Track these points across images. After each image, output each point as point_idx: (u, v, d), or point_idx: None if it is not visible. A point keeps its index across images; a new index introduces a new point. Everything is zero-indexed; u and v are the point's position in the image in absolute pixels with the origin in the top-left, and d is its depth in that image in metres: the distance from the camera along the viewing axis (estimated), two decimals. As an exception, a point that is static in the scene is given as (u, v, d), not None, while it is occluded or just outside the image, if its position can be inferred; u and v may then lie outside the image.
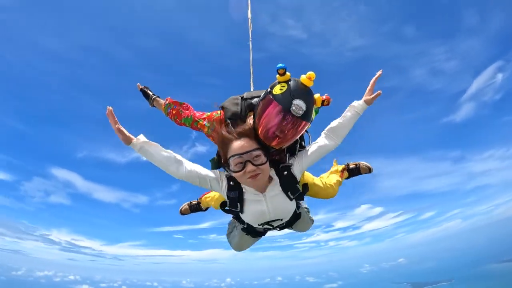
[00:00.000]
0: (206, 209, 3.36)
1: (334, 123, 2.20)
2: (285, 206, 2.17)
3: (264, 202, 2.09)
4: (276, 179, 2.10)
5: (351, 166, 3.04)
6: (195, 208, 3.39)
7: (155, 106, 2.94)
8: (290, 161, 2.14)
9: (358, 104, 2.21)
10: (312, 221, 2.72)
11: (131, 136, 2.06)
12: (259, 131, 1.94)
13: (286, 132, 1.88)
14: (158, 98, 2.91)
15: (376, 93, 2.22)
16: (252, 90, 2.70)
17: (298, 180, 2.15)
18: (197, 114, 2.50)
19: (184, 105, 2.61)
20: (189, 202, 3.46)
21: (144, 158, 2.09)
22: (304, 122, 1.90)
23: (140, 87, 3.11)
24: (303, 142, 2.30)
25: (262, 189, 2.08)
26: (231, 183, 2.06)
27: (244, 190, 2.09)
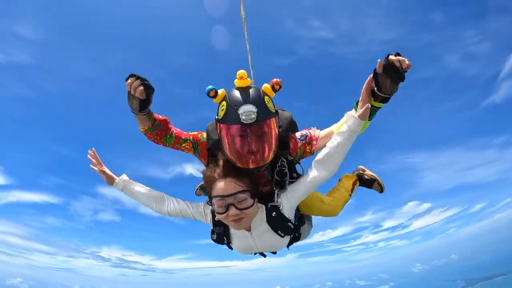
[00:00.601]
0: None
1: (325, 151, 1.76)
2: (275, 243, 2.01)
3: (251, 239, 1.95)
4: (263, 217, 1.87)
5: (366, 177, 2.84)
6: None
7: (141, 116, 1.91)
8: (279, 200, 1.88)
9: (352, 122, 1.70)
10: (311, 227, 2.49)
11: (114, 176, 2.18)
12: (232, 158, 1.74)
13: (254, 144, 1.67)
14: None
15: (365, 107, 1.68)
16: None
17: (290, 219, 1.91)
18: (183, 134, 2.09)
19: (168, 122, 2.09)
20: (201, 184, 3.00)
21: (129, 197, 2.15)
22: (265, 122, 1.65)
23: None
24: (294, 174, 1.98)
25: (248, 228, 1.91)
26: (215, 218, 1.86)
27: (230, 226, 1.93)
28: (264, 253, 2.25)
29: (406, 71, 1.58)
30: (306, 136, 1.96)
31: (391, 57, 1.58)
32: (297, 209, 2.12)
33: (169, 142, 2.07)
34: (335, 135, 1.76)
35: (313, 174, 1.80)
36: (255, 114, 1.59)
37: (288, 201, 1.89)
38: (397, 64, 1.57)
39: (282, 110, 2.15)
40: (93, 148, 2.19)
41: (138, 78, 1.67)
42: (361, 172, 2.89)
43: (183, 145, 2.07)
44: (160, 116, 2.00)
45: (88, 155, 2.21)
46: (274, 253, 2.32)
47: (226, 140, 1.71)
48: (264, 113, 1.63)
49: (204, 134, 2.08)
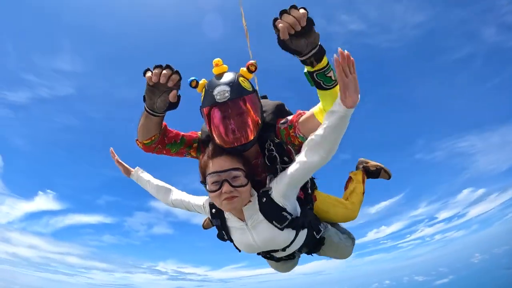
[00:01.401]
0: None
1: (312, 135, 1.58)
2: (274, 236, 1.80)
3: (248, 232, 1.83)
4: (255, 205, 1.77)
5: (371, 169, 2.83)
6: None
7: (157, 118, 1.78)
8: (270, 185, 1.78)
9: (338, 106, 1.46)
10: (350, 246, 2.43)
11: (130, 168, 2.40)
12: (218, 141, 1.76)
13: (234, 121, 1.69)
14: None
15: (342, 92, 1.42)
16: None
17: (282, 206, 1.74)
18: (191, 134, 2.07)
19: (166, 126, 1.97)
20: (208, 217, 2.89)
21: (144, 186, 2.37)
22: (240, 99, 1.67)
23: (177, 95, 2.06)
24: (285, 158, 1.87)
25: (242, 216, 1.82)
26: (213, 210, 1.90)
27: (226, 217, 1.89)
28: (276, 255, 2.07)
29: (309, 20, 1.32)
30: (287, 119, 1.88)
31: (279, 24, 1.31)
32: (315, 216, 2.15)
33: (176, 148, 2.01)
34: (324, 119, 1.53)
35: (301, 158, 1.63)
36: (228, 92, 1.63)
37: (277, 186, 1.74)
38: (293, 29, 1.32)
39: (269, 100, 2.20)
40: (111, 148, 2.45)
41: (171, 68, 1.55)
42: (364, 164, 2.92)
43: (194, 145, 2.05)
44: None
45: (110, 153, 2.44)
46: (292, 257, 2.17)
47: (208, 122, 1.75)
48: (237, 90, 1.65)
49: (197, 134, 2.10)
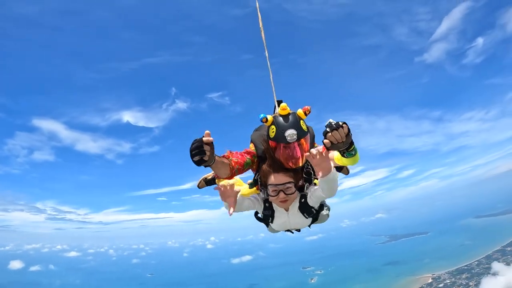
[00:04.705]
0: None
1: (318, 193, 2.66)
2: (302, 221, 3.00)
3: (287, 217, 2.94)
4: (296, 202, 2.83)
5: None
6: (211, 183, 3.80)
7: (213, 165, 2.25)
8: (307, 191, 2.80)
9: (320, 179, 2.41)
10: (328, 215, 3.29)
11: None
12: (282, 162, 2.57)
13: (297, 153, 2.50)
14: (217, 158, 2.28)
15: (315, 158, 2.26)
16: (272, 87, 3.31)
17: (311, 206, 2.84)
18: (249, 152, 2.85)
19: (232, 154, 2.68)
20: (204, 177, 3.84)
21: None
22: (302, 139, 2.48)
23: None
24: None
25: (286, 208, 2.89)
26: (266, 204, 2.90)
27: (275, 209, 2.91)
28: (292, 231, 3.27)
29: (348, 135, 2.08)
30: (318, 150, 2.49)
31: (327, 140, 2.06)
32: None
33: (247, 167, 2.78)
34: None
35: (319, 192, 2.63)
36: (296, 136, 2.40)
37: (310, 197, 2.76)
38: (336, 141, 2.07)
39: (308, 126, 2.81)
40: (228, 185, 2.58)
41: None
42: None
43: (255, 160, 2.88)
44: (224, 155, 2.56)
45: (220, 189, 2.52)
46: (298, 230, 3.32)
47: (278, 151, 2.56)
48: (301, 133, 2.43)
49: (251, 146, 3.03)
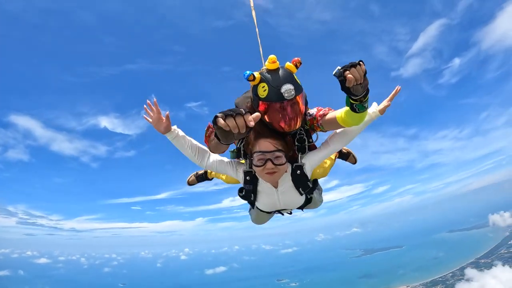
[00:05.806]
0: (212, 178, 3.49)
1: (344, 130, 2.29)
2: (295, 200, 2.45)
3: (276, 195, 2.38)
4: (288, 176, 2.31)
5: (343, 151, 3.24)
6: (202, 178, 3.53)
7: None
8: (302, 161, 2.32)
9: (373, 112, 2.34)
10: (322, 200, 2.90)
11: (171, 127, 2.24)
12: (275, 126, 2.10)
13: (294, 112, 2.04)
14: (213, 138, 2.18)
15: (386, 104, 2.38)
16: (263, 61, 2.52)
17: (309, 178, 2.36)
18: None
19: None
20: (195, 172, 3.58)
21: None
22: (300, 95, 2.03)
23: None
24: (311, 139, 2.40)
25: (275, 184, 2.34)
26: (247, 177, 2.33)
27: (259, 183, 2.35)
28: (282, 212, 2.74)
29: (365, 77, 1.72)
30: (312, 114, 2.32)
31: (349, 75, 1.64)
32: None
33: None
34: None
35: (332, 145, 2.32)
36: (293, 91, 1.95)
37: (309, 162, 2.32)
38: (355, 79, 1.66)
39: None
40: (154, 99, 2.20)
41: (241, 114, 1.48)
42: None
43: None
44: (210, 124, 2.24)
45: (149, 105, 2.20)
46: (290, 213, 2.80)
47: (271, 114, 2.04)
48: (297, 88, 2.00)
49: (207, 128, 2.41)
